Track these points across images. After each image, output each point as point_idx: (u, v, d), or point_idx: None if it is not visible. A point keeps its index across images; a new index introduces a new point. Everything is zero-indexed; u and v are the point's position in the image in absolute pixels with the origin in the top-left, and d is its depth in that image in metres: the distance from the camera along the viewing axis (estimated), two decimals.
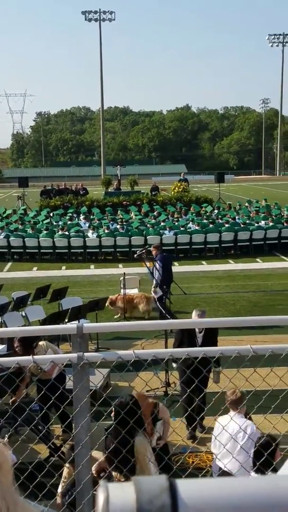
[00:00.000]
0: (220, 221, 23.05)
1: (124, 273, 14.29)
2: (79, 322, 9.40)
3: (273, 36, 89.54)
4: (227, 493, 0.62)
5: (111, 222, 23.16)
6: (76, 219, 24.73)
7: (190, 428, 7.19)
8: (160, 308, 11.94)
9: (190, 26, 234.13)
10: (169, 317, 12.22)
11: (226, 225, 21.96)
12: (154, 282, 12.25)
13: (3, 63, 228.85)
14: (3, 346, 9.13)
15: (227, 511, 0.61)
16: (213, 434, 5.04)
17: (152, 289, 12.48)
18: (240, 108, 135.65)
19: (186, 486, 0.60)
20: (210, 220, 22.81)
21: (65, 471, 4.83)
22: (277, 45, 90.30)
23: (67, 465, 4.74)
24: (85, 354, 2.72)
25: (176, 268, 18.98)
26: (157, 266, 12.22)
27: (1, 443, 1.77)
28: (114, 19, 74.79)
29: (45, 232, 21.61)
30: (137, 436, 4.36)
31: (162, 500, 0.56)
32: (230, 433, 4.33)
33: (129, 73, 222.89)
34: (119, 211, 26.38)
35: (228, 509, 0.61)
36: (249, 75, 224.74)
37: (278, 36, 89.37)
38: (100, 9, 74.18)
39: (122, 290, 13.73)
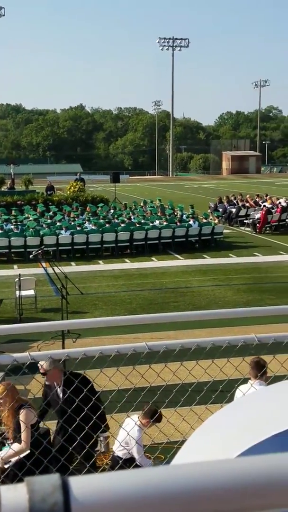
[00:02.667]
0: (116, 220, 23.27)
1: (20, 274, 13.98)
2: None
3: (163, 40, 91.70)
4: (120, 486, 0.64)
5: (5, 223, 22.54)
6: None
7: None
8: None
9: (82, 25, 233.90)
10: None
11: (122, 225, 22.21)
12: None
13: None
14: None
15: (120, 505, 0.63)
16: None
17: None
18: (134, 109, 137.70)
19: (78, 483, 0.61)
20: (106, 220, 22.95)
21: None
22: (167, 49, 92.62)
23: None
24: None
25: (73, 268, 18.90)
26: None
27: None
28: (4, 15, 72.88)
29: None
30: None
31: (54, 498, 0.57)
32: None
33: (21, 70, 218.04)
34: (13, 211, 25.74)
35: (121, 502, 0.63)
36: (142, 77, 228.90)
37: (168, 40, 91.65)
38: None
39: (17, 292, 13.42)
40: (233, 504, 0.63)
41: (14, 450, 5.36)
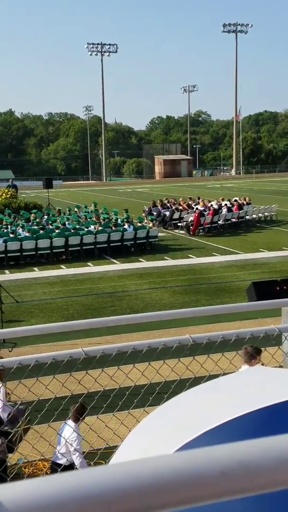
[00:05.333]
0: (51, 226, 23.01)
1: None
2: None
3: (91, 45, 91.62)
4: (47, 492, 0.64)
5: None
6: None
7: None
8: None
9: (11, 28, 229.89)
10: None
11: (57, 231, 21.99)
12: None
13: None
14: None
15: (46, 510, 0.63)
16: None
17: None
18: (65, 115, 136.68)
19: (3, 490, 0.61)
20: (41, 226, 22.65)
21: None
22: (96, 54, 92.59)
23: None
24: None
25: (7, 276, 18.51)
26: None
27: None
28: None
29: None
30: None
31: None
32: None
33: None
34: None
35: (48, 507, 0.63)
36: (72, 82, 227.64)
37: (96, 45, 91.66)
38: None
39: None
40: (155, 501, 0.64)
41: None
